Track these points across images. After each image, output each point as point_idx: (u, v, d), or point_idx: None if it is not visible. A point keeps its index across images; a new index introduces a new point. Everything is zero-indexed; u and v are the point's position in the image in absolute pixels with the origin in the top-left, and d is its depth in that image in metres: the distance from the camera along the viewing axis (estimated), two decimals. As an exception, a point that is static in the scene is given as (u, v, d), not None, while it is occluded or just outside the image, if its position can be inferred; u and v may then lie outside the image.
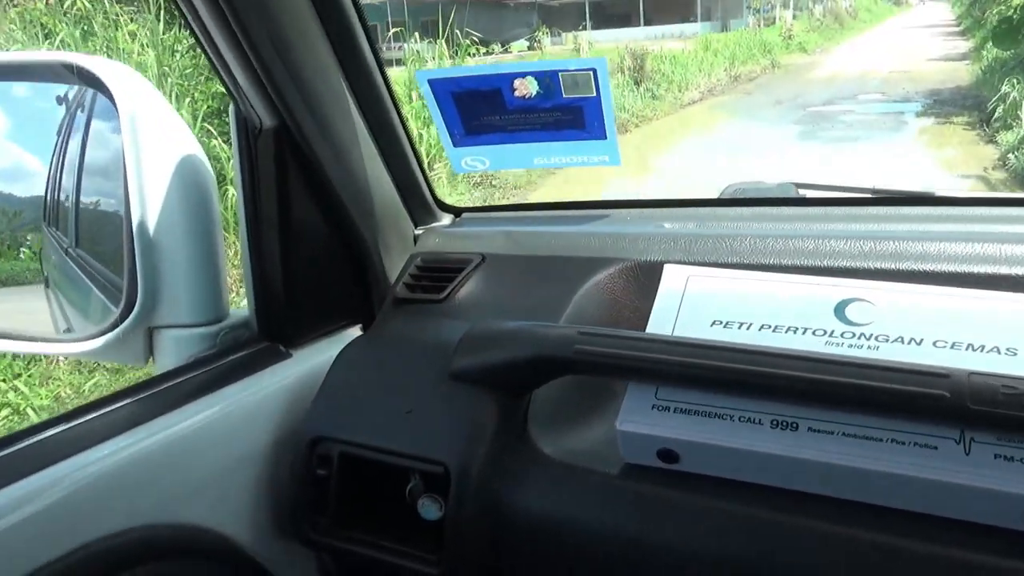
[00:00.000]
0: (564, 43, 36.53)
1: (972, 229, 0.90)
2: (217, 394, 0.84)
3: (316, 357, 0.95)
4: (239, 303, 0.97)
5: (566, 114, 0.99)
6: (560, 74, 0.96)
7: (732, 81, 16.96)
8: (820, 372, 0.62)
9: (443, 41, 9.16)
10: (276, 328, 0.94)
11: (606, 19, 37.02)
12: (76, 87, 0.96)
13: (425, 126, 6.68)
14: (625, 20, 35.96)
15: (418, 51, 9.27)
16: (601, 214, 1.13)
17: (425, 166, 1.13)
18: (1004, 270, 0.79)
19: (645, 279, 0.92)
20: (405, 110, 1.07)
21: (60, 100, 1.01)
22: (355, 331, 1.05)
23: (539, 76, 0.96)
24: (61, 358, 3.62)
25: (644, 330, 0.78)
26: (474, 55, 10.05)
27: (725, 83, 16.57)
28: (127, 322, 0.85)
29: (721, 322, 0.75)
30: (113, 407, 0.77)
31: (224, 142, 5.23)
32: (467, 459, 0.76)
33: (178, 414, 0.80)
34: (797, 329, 0.73)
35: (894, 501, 0.64)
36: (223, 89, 0.90)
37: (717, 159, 8.48)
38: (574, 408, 0.84)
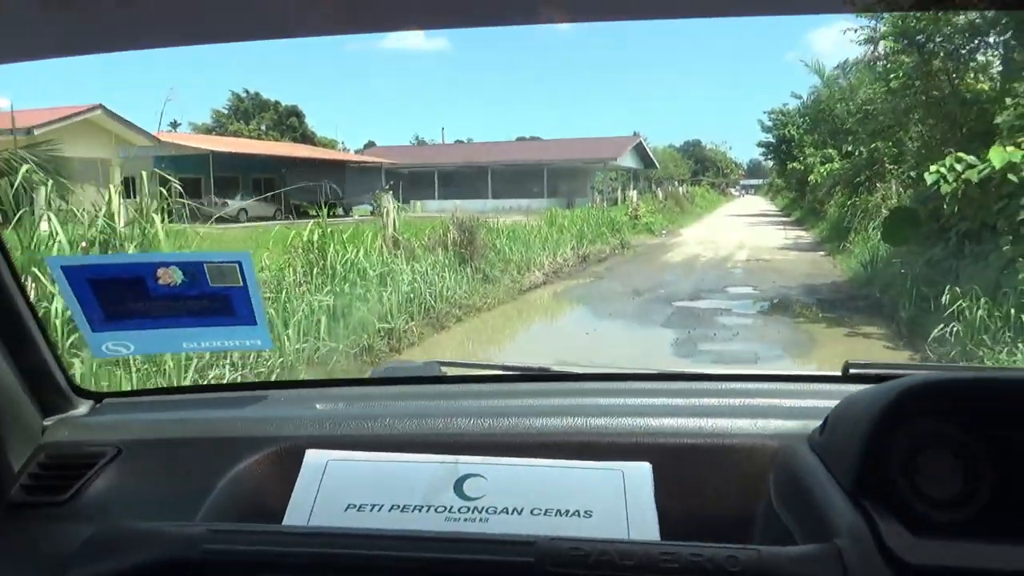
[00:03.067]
0: (412, 210, 35.24)
1: (574, 402, 1.07)
2: None
3: None
4: None
5: (214, 302, 1.02)
6: (205, 265, 1.00)
7: (581, 261, 14.66)
8: (424, 551, 0.69)
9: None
10: None
11: (455, 189, 36.47)
12: None
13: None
14: (474, 191, 35.68)
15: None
16: (257, 395, 1.14)
17: (58, 350, 1.07)
18: (589, 439, 0.96)
19: (290, 463, 0.91)
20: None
21: None
22: None
23: (184, 266, 1.00)
24: None
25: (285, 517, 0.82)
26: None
27: (573, 263, 14.20)
28: None
29: (355, 506, 0.83)
30: None
31: None
32: None
33: None
34: (422, 508, 0.83)
35: None
36: None
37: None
38: None
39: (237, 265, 1.00)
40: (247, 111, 54.59)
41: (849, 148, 21.32)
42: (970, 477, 0.70)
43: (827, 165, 20.61)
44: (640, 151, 41.47)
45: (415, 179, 37.83)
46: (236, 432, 1.00)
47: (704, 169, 72.70)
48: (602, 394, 1.12)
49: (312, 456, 0.88)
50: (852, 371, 1.14)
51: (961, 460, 0.70)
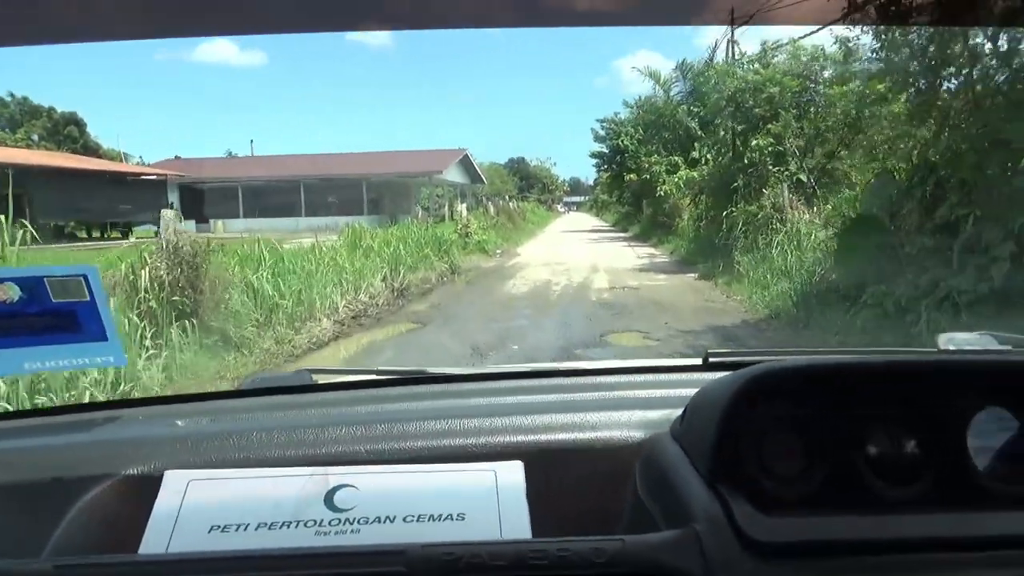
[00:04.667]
0: (213, 231, 29.79)
1: (449, 404, 1.04)
2: None
3: None
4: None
5: (58, 318, 0.96)
6: (46, 279, 0.94)
7: (396, 297, 10.40)
8: (290, 568, 0.63)
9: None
10: None
11: (264, 207, 31.24)
12: None
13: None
14: (287, 209, 30.76)
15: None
16: (108, 416, 1.06)
17: None
18: (463, 441, 0.91)
19: (148, 488, 0.81)
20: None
21: None
22: None
23: (21, 281, 0.93)
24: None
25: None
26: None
27: (385, 301, 9.92)
28: None
29: (220, 527, 0.74)
30: None
31: None
32: None
33: None
34: (291, 523, 0.75)
35: None
36: None
37: None
38: None
39: (82, 279, 0.94)
40: (13, 117, 45.61)
41: (695, 154, 18.92)
42: (811, 455, 0.72)
43: (680, 173, 17.96)
44: (466, 165, 38.06)
45: (217, 195, 32.07)
46: (85, 459, 0.89)
47: (529, 186, 71.18)
48: (476, 394, 1.12)
49: (171, 478, 0.80)
50: (712, 360, 1.17)
51: (803, 439, 0.72)
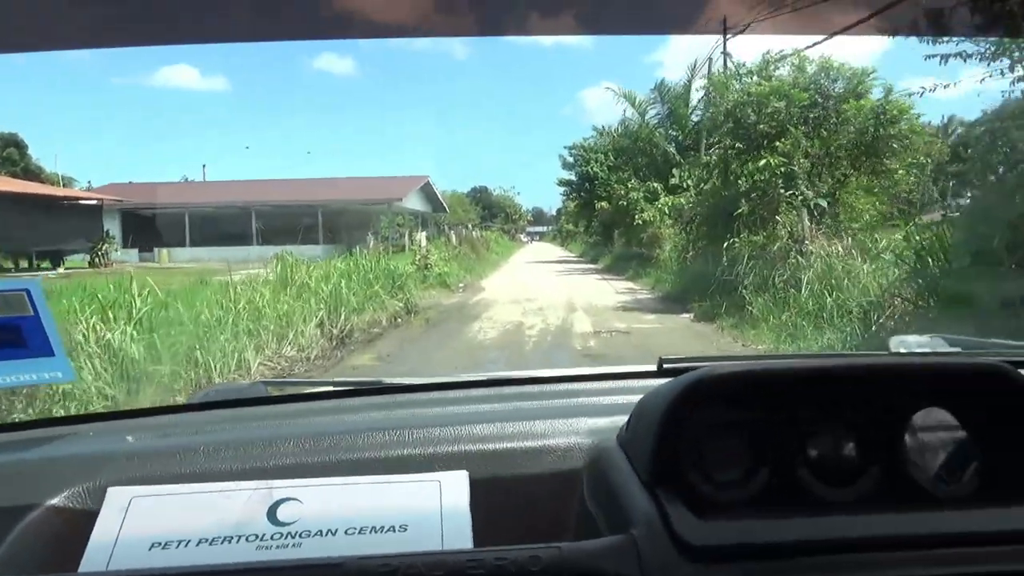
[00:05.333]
0: (158, 260, 27.48)
1: (400, 415, 1.05)
2: None
3: None
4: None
5: (2, 333, 0.93)
6: None
7: (334, 347, 8.30)
8: None
9: None
10: None
11: (215, 235, 28.90)
12: None
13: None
14: (238, 238, 28.40)
15: None
16: (56, 433, 1.04)
17: None
18: (411, 451, 0.90)
19: (92, 505, 0.82)
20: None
21: None
22: None
23: None
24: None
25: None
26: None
27: (320, 353, 7.82)
28: None
29: (161, 544, 0.74)
30: None
31: None
32: None
33: None
34: (232, 538, 0.74)
35: None
36: None
37: None
38: None
39: (25, 293, 0.92)
40: (-58, 139, 42.53)
41: (675, 180, 17.31)
42: (752, 459, 0.71)
43: (662, 199, 16.28)
44: (428, 193, 36.14)
45: (163, 222, 29.58)
46: (31, 476, 0.87)
47: (493, 215, 69.59)
48: (430, 404, 1.12)
49: (114, 494, 0.79)
50: (666, 366, 1.17)
51: (744, 443, 0.71)
